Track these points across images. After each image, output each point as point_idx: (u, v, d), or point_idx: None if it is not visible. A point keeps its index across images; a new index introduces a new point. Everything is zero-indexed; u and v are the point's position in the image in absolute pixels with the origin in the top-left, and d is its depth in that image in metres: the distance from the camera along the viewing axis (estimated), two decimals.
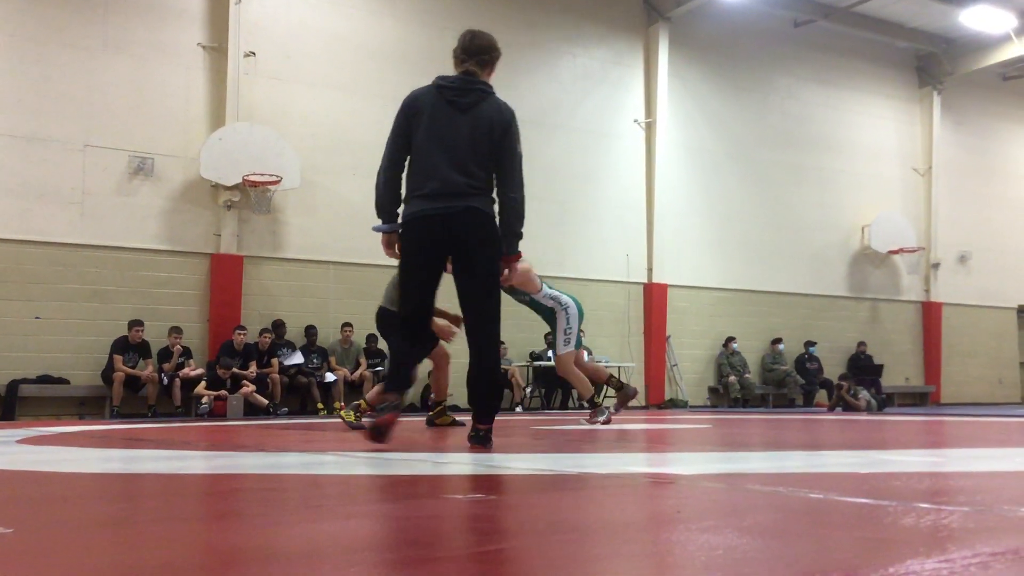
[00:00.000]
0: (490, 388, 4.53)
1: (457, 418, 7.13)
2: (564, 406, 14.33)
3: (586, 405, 7.80)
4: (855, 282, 18.43)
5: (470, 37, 4.63)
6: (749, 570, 1.52)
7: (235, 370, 11.75)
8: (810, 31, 17.92)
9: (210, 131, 12.46)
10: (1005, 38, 17.93)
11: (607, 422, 7.39)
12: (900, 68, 19.51)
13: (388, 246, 4.57)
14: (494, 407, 4.58)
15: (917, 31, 18.76)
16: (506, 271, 4.59)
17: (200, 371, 11.79)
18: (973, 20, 17.18)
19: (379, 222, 4.56)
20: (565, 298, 7.38)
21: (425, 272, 4.52)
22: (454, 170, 4.39)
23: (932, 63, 19.44)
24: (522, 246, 4.61)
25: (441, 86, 4.54)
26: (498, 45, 4.70)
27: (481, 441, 4.49)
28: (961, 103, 20.11)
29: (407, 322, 4.60)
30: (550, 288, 7.36)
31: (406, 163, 4.54)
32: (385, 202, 4.53)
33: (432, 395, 7.61)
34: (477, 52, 4.58)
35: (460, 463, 3.86)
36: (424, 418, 7.66)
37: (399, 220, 4.54)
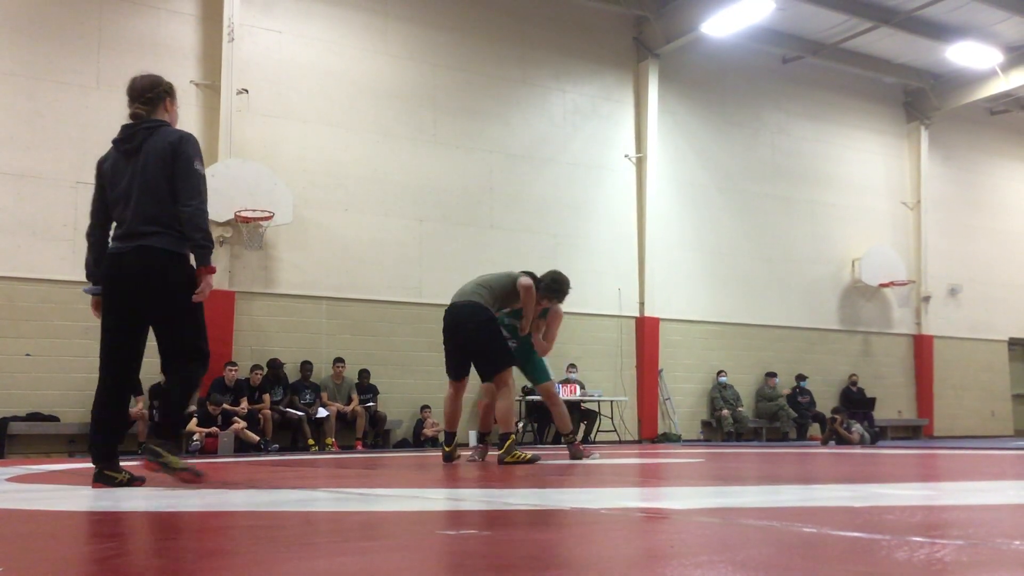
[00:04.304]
0: (171, 413, 4.70)
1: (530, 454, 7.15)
2: (557, 440, 14.27)
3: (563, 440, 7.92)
4: (846, 315, 18.48)
5: (131, 82, 4.75)
6: None
7: (226, 406, 11.70)
8: (799, 67, 18.11)
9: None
10: (991, 73, 18.14)
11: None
12: (888, 103, 19.70)
13: (95, 308, 4.69)
14: (171, 429, 4.68)
15: (904, 67, 18.97)
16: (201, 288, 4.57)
17: (191, 408, 11.74)
18: (959, 56, 17.38)
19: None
20: None
21: (111, 309, 4.56)
22: (132, 215, 4.50)
23: (919, 98, 19.63)
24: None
25: (114, 140, 4.69)
26: (162, 81, 4.77)
27: (144, 453, 4.57)
28: (949, 137, 20.29)
29: (102, 360, 4.62)
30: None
31: (110, 226, 4.67)
32: (89, 264, 4.72)
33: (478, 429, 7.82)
34: (140, 92, 4.69)
35: (451, 498, 3.84)
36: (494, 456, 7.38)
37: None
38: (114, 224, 4.67)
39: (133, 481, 4.55)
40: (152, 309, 4.52)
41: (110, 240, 4.64)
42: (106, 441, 4.60)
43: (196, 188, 4.49)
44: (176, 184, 4.48)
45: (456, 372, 7.26)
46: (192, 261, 4.58)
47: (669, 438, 15.51)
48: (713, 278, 16.84)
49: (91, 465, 4.57)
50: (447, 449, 7.14)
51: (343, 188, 13.53)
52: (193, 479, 4.45)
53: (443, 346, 7.35)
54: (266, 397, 12.27)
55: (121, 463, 4.60)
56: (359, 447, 12.61)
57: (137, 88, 4.70)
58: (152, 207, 4.48)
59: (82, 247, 12.07)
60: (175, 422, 4.70)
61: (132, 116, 4.69)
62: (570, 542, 2.42)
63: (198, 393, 5.06)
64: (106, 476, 4.49)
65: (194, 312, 4.56)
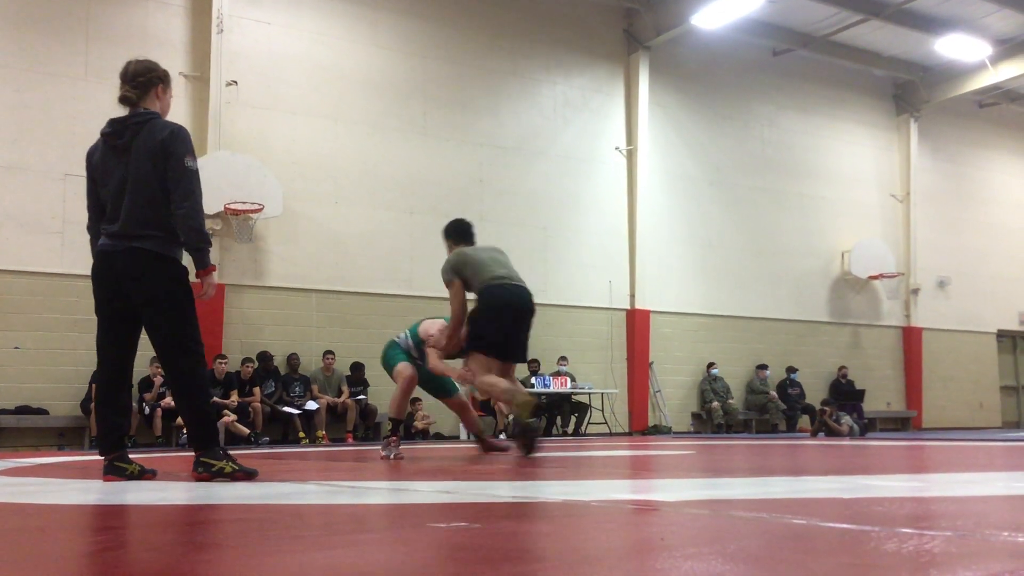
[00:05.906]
0: (193, 419, 4.44)
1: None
2: (547, 432, 14.27)
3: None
4: (836, 307, 18.53)
5: (125, 65, 4.66)
6: None
7: (216, 399, 11.68)
8: (789, 60, 18.12)
9: None
10: (980, 66, 18.19)
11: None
12: (878, 96, 19.74)
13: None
14: (205, 434, 4.42)
15: (894, 59, 19.00)
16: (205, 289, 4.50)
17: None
18: (949, 49, 17.42)
19: None
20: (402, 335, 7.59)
21: (101, 306, 4.51)
22: (124, 216, 4.39)
23: (909, 91, 19.68)
24: None
25: (103, 133, 4.57)
26: (157, 68, 4.69)
27: (196, 468, 4.36)
28: (938, 130, 20.35)
29: (99, 363, 4.58)
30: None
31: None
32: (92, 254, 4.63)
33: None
34: (133, 76, 4.59)
35: (441, 491, 3.84)
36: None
37: None
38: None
39: (144, 473, 4.52)
40: (142, 309, 4.43)
41: (101, 235, 4.52)
42: (112, 433, 4.55)
43: (188, 189, 4.35)
44: (168, 185, 4.36)
45: (522, 354, 6.88)
46: (184, 261, 4.50)
47: (659, 430, 15.55)
48: (703, 271, 16.86)
49: (81, 458, 4.56)
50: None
51: (333, 180, 13.49)
52: (247, 478, 4.34)
53: (499, 325, 6.71)
54: (256, 390, 12.25)
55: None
56: (349, 440, 12.60)
57: (130, 71, 4.60)
58: (144, 209, 4.37)
59: (70, 239, 11.98)
60: (203, 426, 4.43)
61: (121, 99, 4.58)
62: (560, 534, 2.42)
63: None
64: (117, 468, 4.45)
65: (184, 312, 4.43)
